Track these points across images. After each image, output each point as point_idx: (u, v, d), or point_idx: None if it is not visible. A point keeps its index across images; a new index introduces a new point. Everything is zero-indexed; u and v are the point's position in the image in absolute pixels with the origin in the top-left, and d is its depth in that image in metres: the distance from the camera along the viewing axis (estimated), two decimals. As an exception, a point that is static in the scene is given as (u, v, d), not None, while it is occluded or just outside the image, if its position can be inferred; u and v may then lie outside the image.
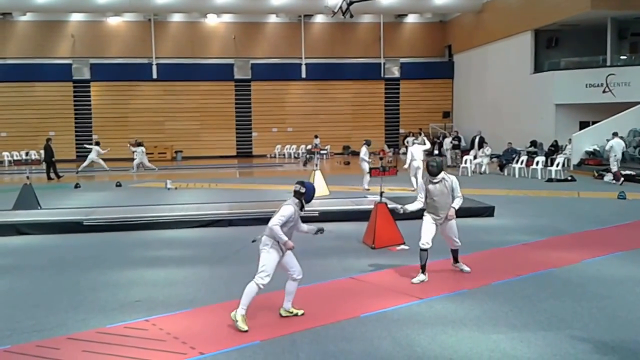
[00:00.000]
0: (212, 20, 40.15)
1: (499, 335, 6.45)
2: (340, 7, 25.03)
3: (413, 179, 18.35)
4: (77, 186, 21.97)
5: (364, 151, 19.42)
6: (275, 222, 6.81)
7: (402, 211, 8.89)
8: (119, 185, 22.22)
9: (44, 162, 26.74)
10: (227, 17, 39.99)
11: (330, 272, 9.24)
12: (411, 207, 8.89)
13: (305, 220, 13.76)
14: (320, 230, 7.38)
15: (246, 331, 6.52)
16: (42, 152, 27.47)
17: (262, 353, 6.09)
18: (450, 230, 8.72)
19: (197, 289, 8.44)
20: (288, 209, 6.93)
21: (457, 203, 8.62)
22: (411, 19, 41.99)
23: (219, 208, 14.56)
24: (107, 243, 11.87)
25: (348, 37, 41.17)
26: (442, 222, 8.59)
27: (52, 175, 25.58)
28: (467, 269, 8.98)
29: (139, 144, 30.03)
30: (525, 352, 6.00)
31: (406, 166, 18.85)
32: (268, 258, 6.83)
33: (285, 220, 6.86)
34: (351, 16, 25.75)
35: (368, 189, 18.67)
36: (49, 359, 6.03)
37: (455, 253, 9.04)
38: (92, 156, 28.86)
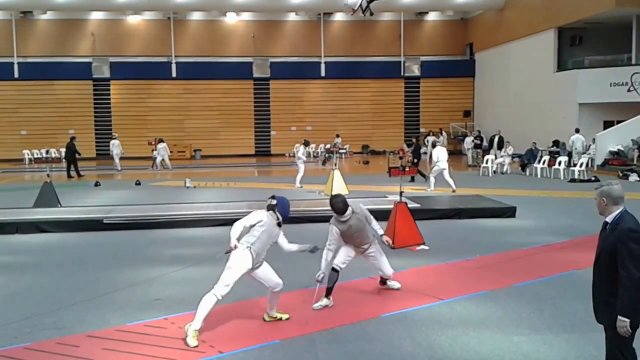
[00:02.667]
0: (231, 19, 40.24)
1: (521, 337, 6.36)
2: (360, 5, 24.92)
3: (432, 179, 18.70)
4: (97, 184, 22.16)
5: (301, 151, 21.06)
6: (237, 222, 6.53)
7: (321, 278, 7.34)
8: (138, 183, 22.35)
9: (64, 160, 26.96)
10: (246, 16, 40.05)
11: (350, 272, 9.14)
12: (325, 267, 7.41)
13: (325, 219, 13.78)
14: (314, 249, 6.99)
15: (196, 346, 6.12)
16: (63, 150, 27.67)
17: (282, 352, 6.06)
18: (376, 260, 7.78)
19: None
20: (257, 214, 6.61)
21: (379, 227, 7.80)
22: (432, 16, 41.69)
23: (237, 207, 14.47)
24: (127, 241, 11.91)
25: (368, 35, 40.98)
26: (367, 250, 7.76)
27: (73, 173, 25.78)
28: (397, 285, 8.12)
29: (161, 140, 30.30)
30: (547, 354, 5.90)
31: (433, 168, 18.96)
32: (234, 264, 6.52)
33: (253, 222, 6.52)
34: (371, 14, 25.60)
35: (301, 186, 20.08)
36: (69, 356, 6.05)
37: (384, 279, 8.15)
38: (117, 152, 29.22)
